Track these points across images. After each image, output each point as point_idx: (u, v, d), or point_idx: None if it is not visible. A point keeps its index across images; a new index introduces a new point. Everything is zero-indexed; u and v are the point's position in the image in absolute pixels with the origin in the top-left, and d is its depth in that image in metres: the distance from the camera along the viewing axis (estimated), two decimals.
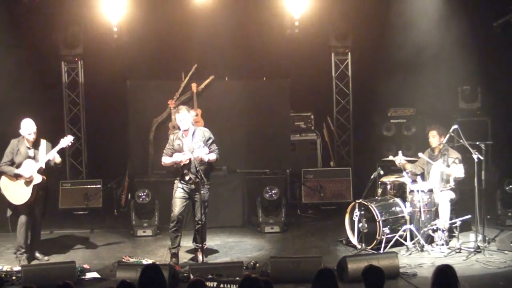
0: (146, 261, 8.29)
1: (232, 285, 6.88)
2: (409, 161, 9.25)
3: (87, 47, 12.23)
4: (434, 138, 9.25)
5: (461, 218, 8.77)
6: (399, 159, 9.14)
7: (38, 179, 8.38)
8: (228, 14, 11.69)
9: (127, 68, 11.77)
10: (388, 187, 9.42)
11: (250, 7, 12.11)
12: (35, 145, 8.49)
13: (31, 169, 8.35)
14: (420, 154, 9.24)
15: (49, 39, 12.02)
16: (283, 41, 12.36)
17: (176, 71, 11.54)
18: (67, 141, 8.51)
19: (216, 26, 11.64)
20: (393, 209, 9.02)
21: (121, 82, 11.60)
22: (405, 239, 8.76)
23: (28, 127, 8.40)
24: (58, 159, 8.51)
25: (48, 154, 8.42)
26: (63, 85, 12.51)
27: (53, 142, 8.53)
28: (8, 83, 11.28)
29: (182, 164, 8.30)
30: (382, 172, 9.32)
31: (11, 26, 11.41)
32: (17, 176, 8.38)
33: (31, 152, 8.46)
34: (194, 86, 11.19)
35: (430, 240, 8.86)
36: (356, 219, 8.87)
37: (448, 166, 9.10)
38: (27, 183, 8.37)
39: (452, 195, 9.08)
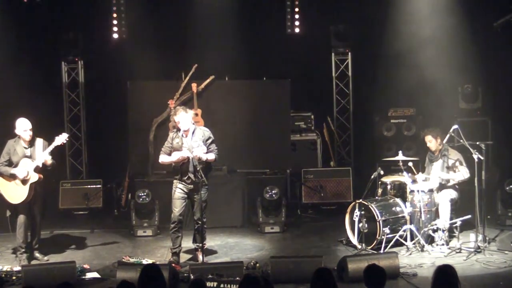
0: (146, 261, 8.28)
1: (232, 285, 6.87)
2: (409, 161, 9.22)
3: (87, 47, 12.24)
4: (431, 143, 9.26)
5: (461, 218, 8.76)
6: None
7: (34, 177, 8.38)
8: (228, 14, 11.69)
9: (127, 68, 11.76)
10: (388, 187, 9.40)
11: (250, 7, 12.11)
12: (31, 144, 8.51)
13: (27, 168, 8.36)
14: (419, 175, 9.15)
15: (49, 39, 12.01)
16: (283, 41, 12.37)
17: (176, 71, 11.53)
18: (62, 138, 8.50)
19: (216, 26, 11.63)
20: (393, 209, 9.01)
21: (121, 82, 11.60)
22: (405, 239, 8.75)
23: (23, 125, 8.42)
24: (49, 161, 8.50)
25: (45, 152, 8.42)
26: (63, 85, 12.51)
27: (52, 142, 8.51)
28: (8, 83, 11.29)
29: (181, 164, 8.30)
30: (382, 172, 9.31)
31: (12, 26, 11.42)
32: (13, 176, 8.39)
33: (27, 152, 8.47)
34: (194, 86, 11.19)
35: (430, 240, 8.85)
36: (356, 219, 8.86)
37: (448, 167, 9.11)
38: (24, 182, 8.38)
39: (453, 194, 9.07)
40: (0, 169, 8.44)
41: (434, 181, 9.09)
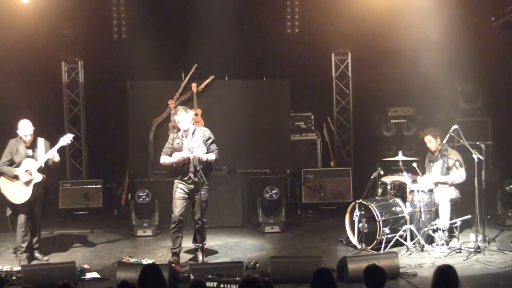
0: (146, 261, 8.28)
1: (232, 285, 6.87)
2: (413, 162, 9.22)
3: (87, 47, 12.24)
4: (430, 143, 9.25)
5: (461, 218, 8.75)
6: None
7: (38, 178, 8.37)
8: (228, 14, 11.69)
9: (127, 68, 11.77)
10: (388, 187, 9.40)
11: (250, 7, 12.11)
12: (34, 144, 8.48)
13: (30, 169, 8.34)
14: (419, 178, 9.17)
15: (49, 39, 12.02)
16: (283, 41, 12.38)
17: (176, 71, 11.54)
18: (66, 139, 8.49)
19: (216, 26, 11.64)
20: (393, 209, 9.01)
21: (121, 82, 11.60)
22: (405, 239, 8.75)
23: (24, 129, 8.38)
24: (57, 158, 8.48)
25: (48, 153, 8.40)
26: (63, 85, 12.52)
27: (53, 143, 8.52)
28: (9, 83, 11.29)
29: (181, 164, 8.31)
30: (382, 172, 9.30)
31: (12, 26, 11.41)
32: (16, 177, 8.37)
33: (30, 152, 8.45)
34: (194, 86, 11.20)
35: (430, 240, 8.85)
36: (356, 219, 8.86)
37: (448, 167, 9.11)
38: (27, 182, 8.36)
39: (453, 194, 9.07)
40: (3, 168, 8.40)
41: (430, 184, 9.08)
